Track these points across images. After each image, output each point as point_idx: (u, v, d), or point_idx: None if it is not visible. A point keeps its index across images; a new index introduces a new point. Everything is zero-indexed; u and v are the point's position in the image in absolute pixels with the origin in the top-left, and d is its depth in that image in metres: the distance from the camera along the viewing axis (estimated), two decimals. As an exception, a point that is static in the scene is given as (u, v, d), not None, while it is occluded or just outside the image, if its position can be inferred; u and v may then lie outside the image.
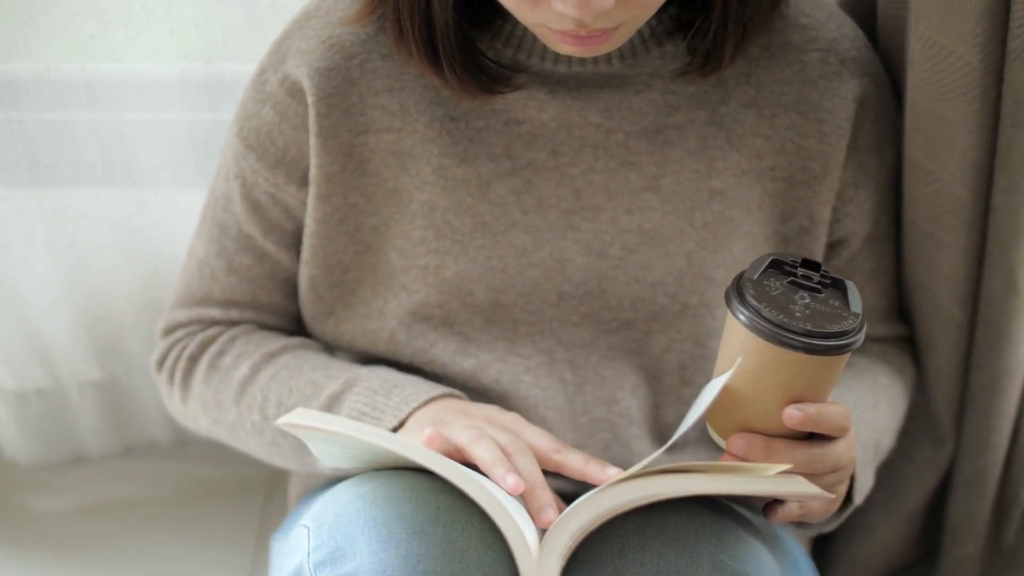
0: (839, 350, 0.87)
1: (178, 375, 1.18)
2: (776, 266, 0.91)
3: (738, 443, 0.92)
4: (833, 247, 1.13)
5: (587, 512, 0.91)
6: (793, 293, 0.89)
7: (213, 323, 1.18)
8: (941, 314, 1.18)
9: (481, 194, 1.07)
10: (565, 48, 0.95)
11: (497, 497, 0.92)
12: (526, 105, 1.05)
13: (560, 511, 0.96)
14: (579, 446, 1.11)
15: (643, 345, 1.10)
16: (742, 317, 0.88)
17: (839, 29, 1.07)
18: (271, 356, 1.13)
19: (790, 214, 1.08)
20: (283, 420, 0.91)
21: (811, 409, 0.90)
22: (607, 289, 1.09)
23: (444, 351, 1.10)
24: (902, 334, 1.21)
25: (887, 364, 1.18)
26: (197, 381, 1.17)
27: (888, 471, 1.32)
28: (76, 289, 1.47)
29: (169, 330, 1.21)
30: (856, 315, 0.89)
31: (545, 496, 0.95)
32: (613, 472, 0.96)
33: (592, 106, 1.05)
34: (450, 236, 1.07)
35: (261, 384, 1.12)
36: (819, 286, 0.90)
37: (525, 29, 1.03)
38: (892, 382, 1.17)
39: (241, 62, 1.29)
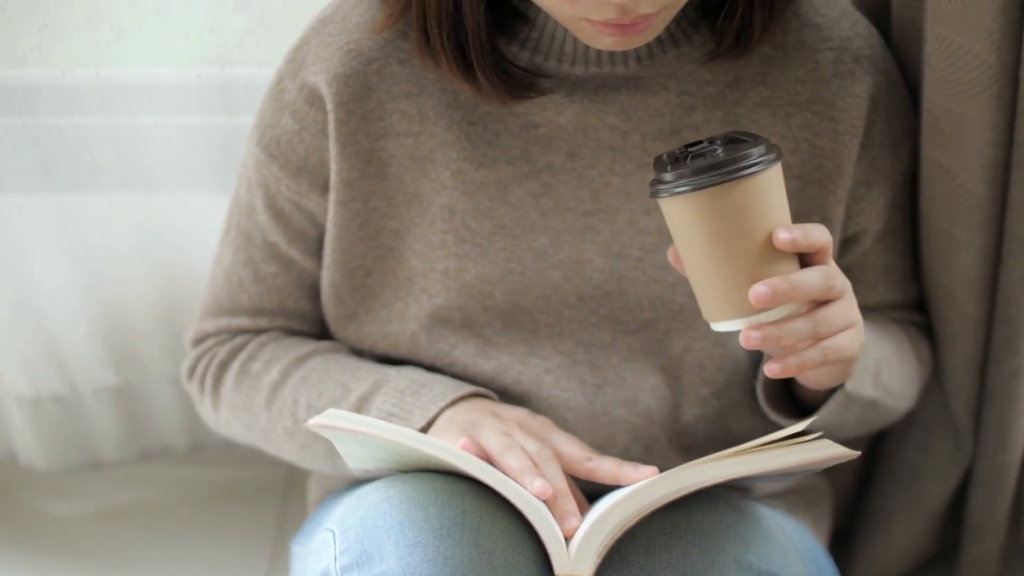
0: (776, 155, 0.89)
1: (208, 382, 1.19)
2: (669, 159, 0.91)
3: (761, 290, 0.89)
4: (845, 244, 1.13)
5: (624, 510, 0.92)
6: (701, 156, 0.90)
7: (242, 331, 1.19)
8: (958, 310, 1.18)
9: (500, 197, 1.07)
10: (606, 41, 0.95)
11: (528, 497, 0.93)
12: (544, 108, 1.05)
13: (583, 515, 0.96)
14: (599, 447, 1.11)
15: (663, 345, 1.10)
16: (685, 187, 0.89)
17: (853, 27, 1.07)
18: (300, 360, 1.14)
19: (804, 213, 1.08)
20: (314, 421, 0.91)
21: (795, 230, 0.90)
22: (626, 290, 1.09)
23: (465, 353, 1.10)
24: (918, 321, 1.21)
25: (899, 326, 1.18)
26: (227, 388, 1.17)
27: (908, 469, 1.32)
28: (92, 295, 1.47)
29: (199, 340, 1.21)
30: (758, 136, 0.91)
31: (569, 505, 0.95)
32: (647, 471, 0.97)
33: (609, 108, 1.05)
34: (469, 239, 1.08)
35: (291, 388, 1.12)
36: (715, 146, 0.91)
37: (542, 32, 1.03)
38: (901, 337, 1.17)
39: (256, 65, 1.30)
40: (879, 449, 1.38)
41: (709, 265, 0.91)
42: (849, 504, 1.41)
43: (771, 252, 0.90)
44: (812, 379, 1.02)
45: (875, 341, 1.09)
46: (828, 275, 0.91)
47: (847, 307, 0.94)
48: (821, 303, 0.93)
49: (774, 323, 0.90)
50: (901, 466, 1.33)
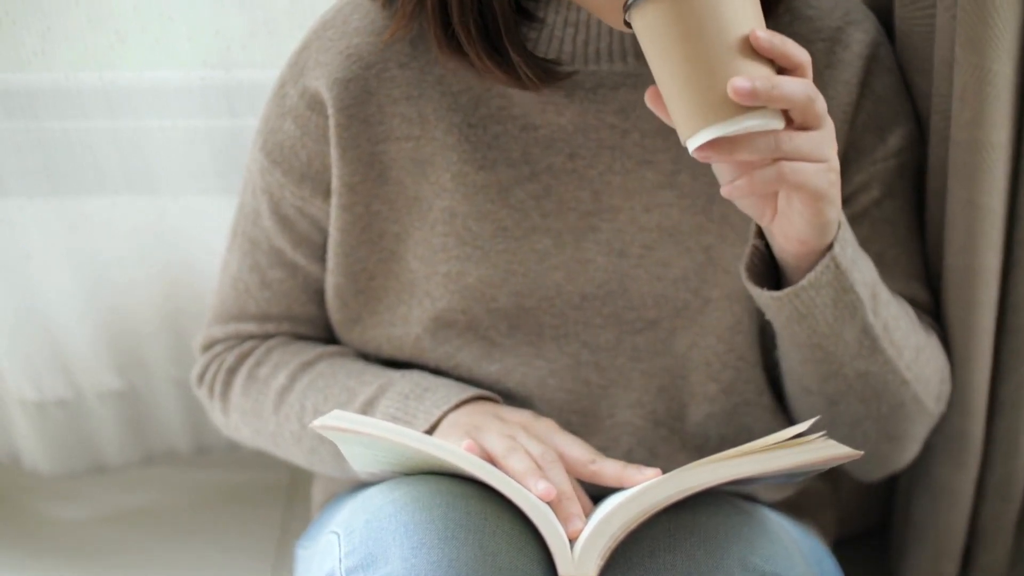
0: None
1: (217, 388, 1.19)
2: None
3: (740, 83, 0.83)
4: None
5: (628, 512, 0.92)
6: None
7: (250, 337, 1.19)
8: (978, 332, 1.16)
9: (501, 199, 1.07)
10: None
11: (532, 498, 0.93)
12: (544, 109, 1.05)
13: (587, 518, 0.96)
14: (602, 450, 1.11)
15: (668, 345, 1.10)
16: None
17: (844, 16, 1.07)
18: (307, 365, 1.14)
19: None
20: (319, 422, 0.92)
21: (773, 34, 0.86)
22: (629, 288, 1.09)
23: (469, 356, 1.11)
24: (931, 323, 1.17)
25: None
26: (236, 393, 1.18)
27: (923, 537, 1.31)
28: (95, 298, 1.47)
29: (208, 346, 1.22)
30: None
31: (573, 507, 0.95)
32: (651, 473, 0.97)
33: (608, 107, 1.05)
34: (471, 242, 1.08)
35: (298, 393, 1.13)
36: None
37: (541, 31, 1.03)
38: (908, 307, 1.11)
39: (260, 68, 1.30)
40: (891, 498, 1.38)
41: (684, 72, 0.87)
42: (858, 513, 1.41)
43: (748, 57, 0.86)
44: (782, 225, 0.94)
45: (875, 274, 1.04)
46: (810, 87, 0.87)
47: (822, 140, 0.89)
48: (795, 129, 0.88)
49: (731, 137, 0.86)
50: (916, 527, 1.33)
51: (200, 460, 1.64)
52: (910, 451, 1.16)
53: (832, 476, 1.27)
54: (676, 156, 1.06)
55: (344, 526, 0.98)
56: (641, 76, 1.05)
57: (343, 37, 1.07)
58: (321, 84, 1.06)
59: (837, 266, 0.96)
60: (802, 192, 0.89)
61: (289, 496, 1.61)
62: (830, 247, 0.96)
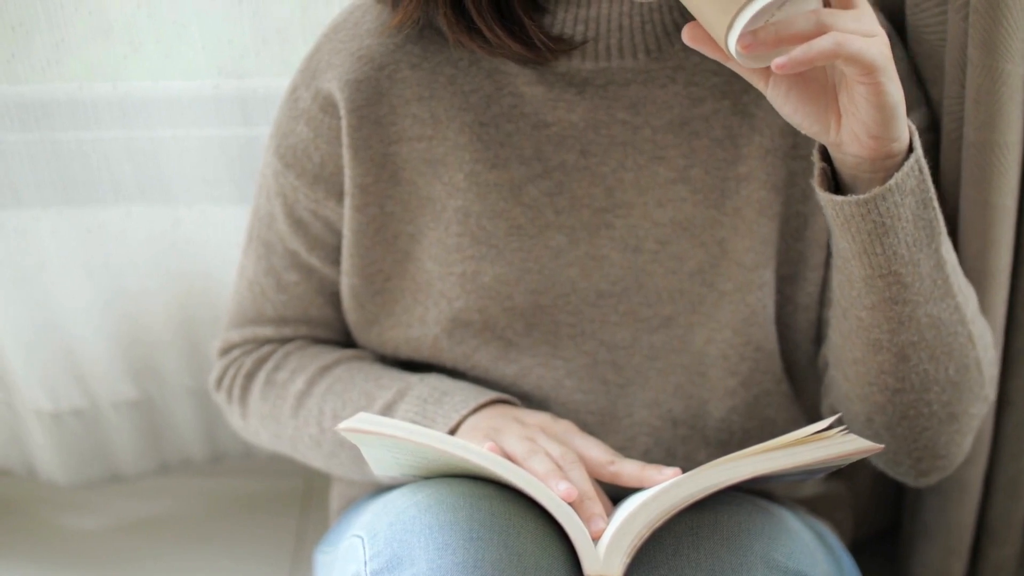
0: None
1: (236, 392, 1.20)
2: None
3: None
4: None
5: (651, 511, 0.92)
6: None
7: (267, 341, 1.20)
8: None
9: (514, 198, 1.07)
10: None
11: (556, 498, 0.93)
12: (555, 107, 1.06)
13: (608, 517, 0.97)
14: (621, 450, 1.11)
15: (685, 342, 1.10)
16: None
17: None
18: (325, 369, 1.14)
19: (809, 192, 1.08)
20: (343, 424, 0.92)
21: None
22: (644, 284, 1.09)
23: (486, 356, 1.11)
24: None
25: None
26: (254, 398, 1.18)
27: (929, 537, 1.31)
28: (110, 308, 1.47)
29: (225, 350, 1.22)
30: None
31: (595, 507, 0.96)
32: (670, 472, 0.97)
33: (619, 104, 1.06)
34: (485, 241, 1.08)
35: (317, 397, 1.13)
36: None
37: (551, 28, 1.04)
38: None
39: (274, 76, 1.30)
40: (902, 497, 1.39)
41: None
42: (871, 514, 1.41)
43: None
44: (850, 125, 0.91)
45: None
46: None
47: (864, 16, 0.87)
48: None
49: (772, 24, 0.85)
50: (925, 525, 1.33)
51: (215, 468, 1.64)
52: (965, 442, 1.11)
53: (848, 477, 1.28)
54: (688, 151, 1.07)
55: (367, 529, 0.98)
56: (651, 72, 1.05)
57: (354, 39, 1.07)
58: (333, 86, 1.07)
59: (920, 170, 0.94)
60: (857, 64, 0.86)
61: (305, 503, 1.61)
62: (908, 153, 0.93)
